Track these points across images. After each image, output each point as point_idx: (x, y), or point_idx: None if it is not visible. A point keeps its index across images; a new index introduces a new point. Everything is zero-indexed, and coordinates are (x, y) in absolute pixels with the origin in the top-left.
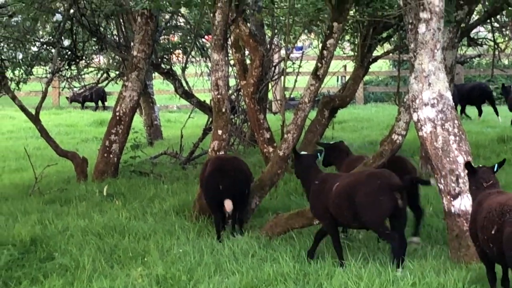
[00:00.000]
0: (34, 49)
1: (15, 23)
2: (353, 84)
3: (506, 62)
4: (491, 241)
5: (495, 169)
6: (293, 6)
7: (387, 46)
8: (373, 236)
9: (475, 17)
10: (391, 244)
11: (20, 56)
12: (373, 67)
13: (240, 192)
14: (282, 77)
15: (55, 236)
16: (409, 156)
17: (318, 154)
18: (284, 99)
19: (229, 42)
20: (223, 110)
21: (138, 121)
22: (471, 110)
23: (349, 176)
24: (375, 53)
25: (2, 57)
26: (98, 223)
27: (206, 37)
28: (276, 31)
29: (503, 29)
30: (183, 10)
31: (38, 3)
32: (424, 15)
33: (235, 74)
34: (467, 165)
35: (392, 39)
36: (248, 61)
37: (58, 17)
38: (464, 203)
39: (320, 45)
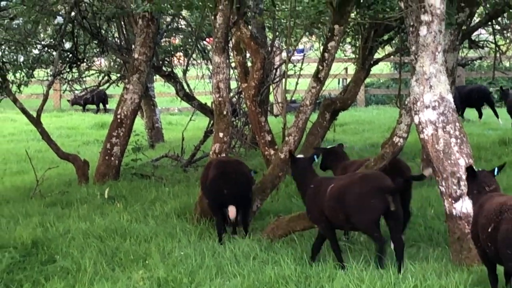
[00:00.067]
0: (35, 51)
1: (16, 26)
2: (354, 87)
3: (507, 64)
4: (489, 239)
5: (495, 173)
6: (294, 8)
7: (388, 49)
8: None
9: (476, 19)
10: (377, 245)
11: (21, 58)
12: (374, 70)
13: (243, 195)
14: (283, 80)
15: (57, 239)
16: (411, 158)
17: (315, 156)
18: (285, 102)
19: (230, 45)
20: (224, 112)
21: (140, 123)
22: (471, 112)
23: (343, 178)
24: (376, 56)
25: (4, 59)
26: (100, 226)
27: (207, 39)
28: (277, 33)
29: (504, 32)
30: (184, 12)
31: (39, 5)
32: (425, 17)
33: (236, 77)
34: (469, 169)
35: (393, 41)
36: (249, 64)
37: (59, 19)
38: (465, 205)
39: (321, 47)
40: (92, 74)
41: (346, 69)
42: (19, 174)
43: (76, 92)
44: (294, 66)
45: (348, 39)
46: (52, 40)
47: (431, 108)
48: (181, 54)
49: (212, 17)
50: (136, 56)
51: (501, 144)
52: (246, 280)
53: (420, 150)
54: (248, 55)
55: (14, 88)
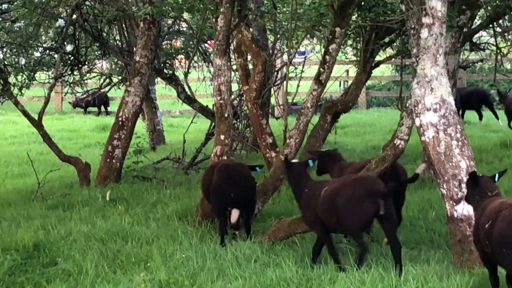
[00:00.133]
0: (37, 54)
1: (18, 29)
2: (355, 89)
3: (508, 66)
4: (486, 238)
5: (496, 179)
6: (296, 11)
7: (389, 51)
8: (375, 240)
9: (477, 22)
10: (359, 251)
11: (23, 61)
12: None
13: (249, 198)
14: (285, 82)
15: (58, 241)
16: (412, 161)
17: (310, 161)
18: (286, 104)
19: (232, 47)
20: (226, 115)
21: (141, 126)
22: (472, 115)
23: (336, 181)
24: (377, 58)
25: (5, 62)
26: (101, 228)
27: (208, 42)
28: (278, 36)
29: (506, 34)
30: (185, 15)
31: (41, 8)
32: (426, 20)
33: (238, 79)
34: (472, 174)
35: (395, 44)
36: (250, 66)
37: (61, 22)
38: (467, 208)
39: (323, 50)
40: (94, 77)
41: (347, 71)
42: (21, 176)
43: (78, 94)
44: (295, 68)
45: (349, 42)
46: (53, 42)
47: (432, 111)
48: (183, 56)
49: (213, 20)
50: (137, 58)
51: (502, 146)
52: (248, 283)
53: (421, 152)
54: (249, 57)
55: (15, 90)
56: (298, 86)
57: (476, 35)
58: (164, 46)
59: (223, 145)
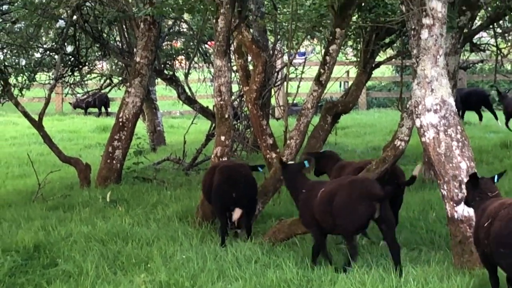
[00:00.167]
0: (37, 55)
1: (18, 30)
2: (355, 90)
3: (509, 67)
4: (485, 237)
5: (495, 180)
6: (296, 12)
7: (389, 52)
8: (376, 242)
9: (477, 22)
10: (350, 253)
11: (23, 62)
12: (376, 73)
13: (251, 199)
14: (285, 83)
15: (58, 243)
16: (412, 162)
17: (306, 162)
18: (287, 105)
19: (232, 48)
20: (226, 116)
21: (141, 127)
22: (472, 115)
23: (333, 182)
24: (377, 59)
25: (6, 63)
26: (101, 229)
27: (209, 43)
28: (278, 37)
29: (506, 35)
30: (186, 16)
31: (41, 9)
32: (426, 21)
33: (238, 80)
34: (472, 176)
35: (395, 44)
36: (250, 67)
37: (61, 23)
38: (467, 209)
39: (323, 51)
40: (94, 78)
41: (347, 72)
42: (21, 177)
43: (78, 95)
44: (296, 69)
45: (350, 42)
46: (54, 43)
47: (433, 112)
48: (183, 57)
49: (214, 21)
50: (137, 59)
51: (503, 147)
52: (248, 284)
53: (421, 153)
54: (249, 58)
55: (16, 91)
56: (298, 87)
57: (477, 36)
58: (164, 47)
59: (224, 146)
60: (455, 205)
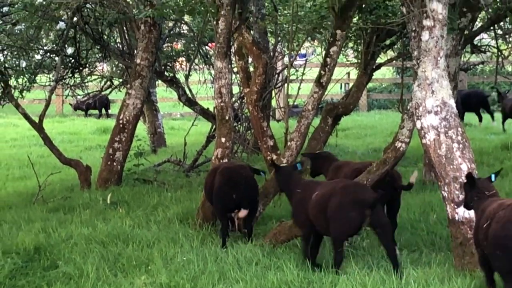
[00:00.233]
0: (38, 57)
1: (18, 31)
2: (356, 91)
3: (509, 69)
4: (484, 238)
5: (492, 179)
6: (297, 13)
7: (390, 53)
8: (377, 244)
9: (478, 24)
10: (335, 257)
11: (24, 64)
12: (377, 74)
13: (252, 199)
14: (286, 85)
15: (59, 245)
16: (413, 163)
17: (298, 165)
18: (287, 107)
19: (232, 50)
20: (227, 117)
21: (142, 128)
22: (473, 117)
23: (327, 185)
24: (378, 60)
25: (6, 65)
26: (102, 231)
27: (209, 44)
28: (279, 38)
29: (507, 36)
30: (186, 17)
31: (41, 11)
32: (427, 22)
33: (239, 82)
34: (469, 176)
35: (396, 46)
36: (251, 69)
37: (62, 25)
38: (467, 210)
39: (324, 52)
40: (95, 79)
41: (348, 74)
42: (22, 179)
43: (79, 97)
44: (296, 71)
45: (350, 44)
46: (54, 45)
47: (433, 113)
48: (183, 59)
49: (214, 22)
50: (138, 61)
51: (503, 148)
52: (249, 286)
53: (422, 155)
54: (250, 60)
55: (16, 93)
56: (299, 88)
57: (477, 37)
58: (165, 49)
59: (224, 148)
60: (455, 206)
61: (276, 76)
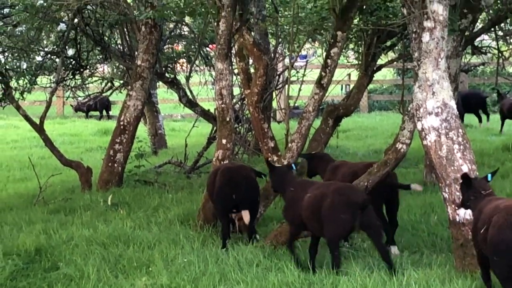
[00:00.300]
0: (39, 58)
1: (19, 33)
2: (357, 93)
3: (510, 70)
4: (483, 243)
5: (489, 179)
6: (297, 15)
7: (391, 55)
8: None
9: (479, 25)
10: (333, 259)
11: (24, 65)
12: (377, 76)
13: (252, 200)
14: (286, 86)
15: (60, 246)
16: (414, 165)
17: (293, 165)
18: (288, 108)
19: (233, 51)
20: (227, 119)
21: (143, 130)
22: (474, 118)
23: (319, 187)
24: (379, 62)
25: (7, 66)
26: (103, 233)
27: (210, 46)
28: (280, 40)
29: (507, 37)
30: (187, 19)
31: (42, 12)
32: (428, 24)
33: (239, 83)
34: (464, 176)
35: (396, 47)
36: (252, 70)
37: (62, 26)
38: (468, 212)
39: (324, 53)
40: (95, 81)
41: (349, 75)
42: (22, 181)
43: (79, 98)
44: (297, 72)
45: (351, 45)
46: (55, 47)
47: (434, 115)
48: (184, 60)
49: (215, 24)
50: (139, 62)
51: (504, 150)
52: (250, 287)
53: (423, 156)
54: (251, 61)
55: (17, 95)
56: (299, 90)
57: (478, 39)
58: (165, 50)
59: (225, 149)
60: (456, 208)
61: (277, 77)
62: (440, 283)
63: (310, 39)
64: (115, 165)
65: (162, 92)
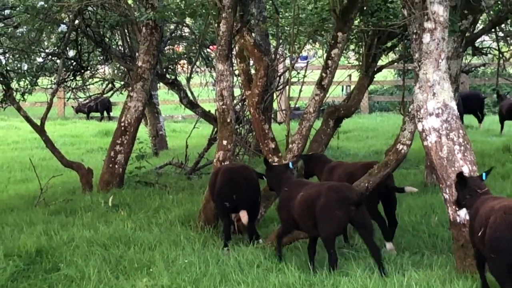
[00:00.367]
0: (39, 60)
1: (20, 34)
2: (358, 94)
3: (511, 71)
4: (481, 243)
5: (483, 177)
6: (298, 16)
7: (392, 56)
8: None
9: (479, 26)
10: (330, 259)
11: (25, 67)
12: (378, 77)
13: (253, 200)
14: (287, 87)
15: (61, 247)
16: (414, 165)
17: (290, 163)
18: (289, 109)
19: (234, 52)
20: (228, 120)
21: (143, 131)
22: (474, 119)
23: (313, 187)
24: (380, 63)
25: (7, 68)
26: (104, 234)
27: (210, 47)
28: (281, 41)
29: (508, 38)
30: (187, 20)
31: (43, 14)
32: (428, 25)
33: (240, 84)
34: (460, 175)
35: (397, 48)
36: (253, 71)
37: (63, 28)
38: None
39: (325, 54)
40: (96, 82)
41: (349, 76)
42: (23, 182)
43: (80, 100)
44: (298, 73)
45: (352, 46)
46: (56, 48)
47: (435, 115)
48: (185, 61)
49: (216, 25)
50: (139, 64)
51: (505, 151)
52: None
53: (423, 157)
54: (251, 62)
55: (18, 96)
56: (300, 91)
57: (479, 40)
58: (166, 51)
59: (226, 150)
60: (457, 209)
61: (278, 78)
62: (440, 284)
63: (310, 40)
64: (116, 166)
65: (163, 93)
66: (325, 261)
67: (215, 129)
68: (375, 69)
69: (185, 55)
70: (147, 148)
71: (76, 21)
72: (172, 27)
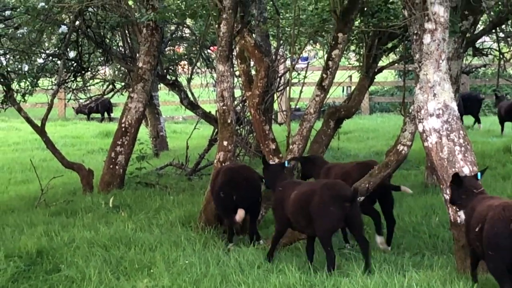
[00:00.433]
0: (40, 61)
1: (20, 35)
2: (358, 95)
3: (511, 72)
4: (477, 241)
5: (478, 177)
6: (298, 16)
7: (392, 56)
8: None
9: (480, 27)
10: (327, 258)
11: (26, 68)
12: (379, 78)
13: (252, 201)
14: (288, 88)
15: (61, 248)
16: (415, 166)
17: (286, 162)
18: (289, 110)
19: (234, 53)
20: (229, 121)
21: (144, 132)
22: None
23: (306, 185)
24: (380, 64)
25: (8, 69)
26: (104, 235)
27: (211, 48)
28: (281, 41)
29: (508, 39)
30: (188, 21)
31: (43, 15)
32: (429, 25)
33: (241, 85)
34: (455, 175)
35: (397, 49)
36: (253, 72)
37: (64, 29)
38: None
39: (325, 55)
40: (97, 83)
41: (350, 77)
42: (24, 183)
43: (81, 101)
44: (298, 74)
45: (352, 47)
46: (56, 49)
47: (435, 116)
48: (185, 62)
49: (216, 26)
50: (140, 64)
51: (506, 151)
52: None
53: (424, 158)
54: (252, 63)
55: (18, 97)
56: (301, 91)
57: (479, 40)
58: (167, 52)
59: (226, 151)
60: (458, 209)
61: (278, 79)
62: (441, 284)
63: (311, 41)
64: (117, 167)
65: (164, 94)
66: (325, 261)
67: (216, 130)
68: (376, 70)
69: (186, 56)
70: (147, 149)
71: (77, 22)
72: (172, 28)
